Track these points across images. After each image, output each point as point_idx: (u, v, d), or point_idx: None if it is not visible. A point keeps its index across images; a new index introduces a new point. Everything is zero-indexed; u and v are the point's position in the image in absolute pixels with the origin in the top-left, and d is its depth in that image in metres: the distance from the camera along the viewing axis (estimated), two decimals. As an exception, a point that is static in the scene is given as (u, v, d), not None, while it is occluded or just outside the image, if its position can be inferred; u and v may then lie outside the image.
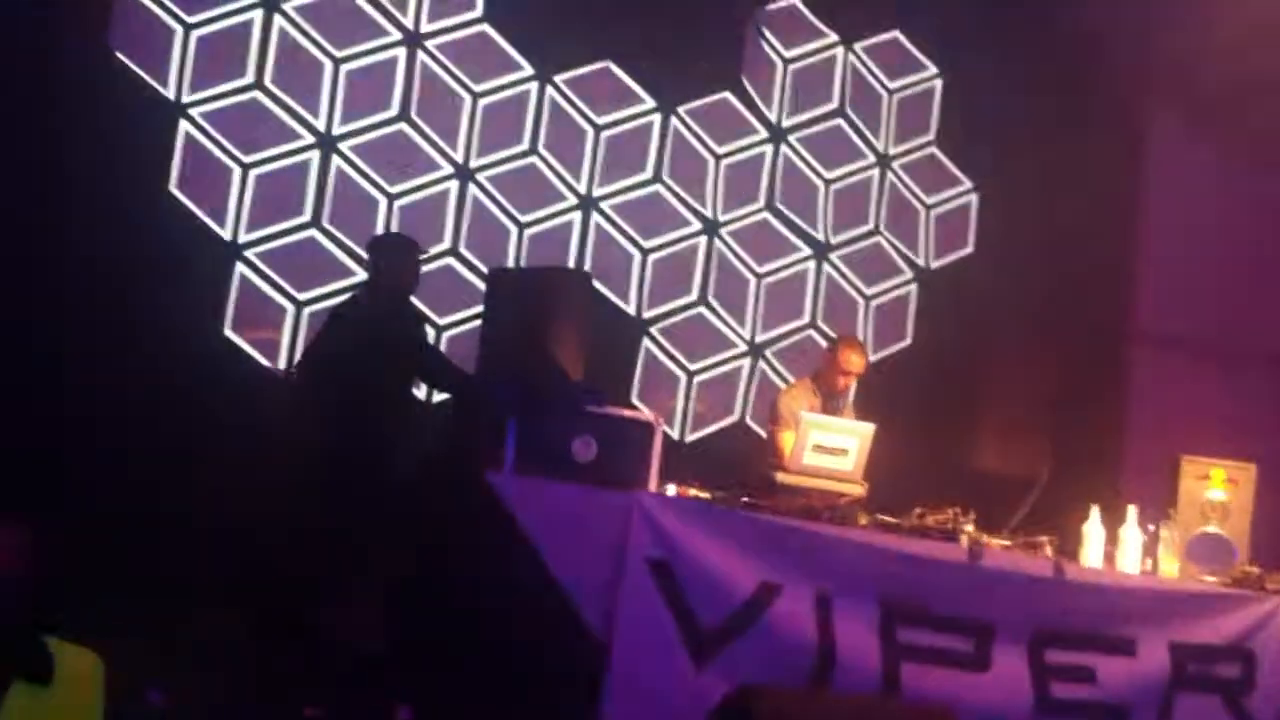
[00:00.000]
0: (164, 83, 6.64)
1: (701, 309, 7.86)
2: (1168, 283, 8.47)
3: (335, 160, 6.99)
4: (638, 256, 7.70)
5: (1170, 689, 5.65)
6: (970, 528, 5.59)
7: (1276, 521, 6.35)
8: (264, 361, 6.71)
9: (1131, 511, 5.86)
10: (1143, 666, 5.61)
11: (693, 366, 7.80)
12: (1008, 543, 5.67)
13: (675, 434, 7.61)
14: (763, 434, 7.09)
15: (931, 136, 8.53)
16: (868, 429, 5.85)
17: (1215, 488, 6.08)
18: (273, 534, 5.42)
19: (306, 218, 6.90)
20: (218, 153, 6.73)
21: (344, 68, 7.03)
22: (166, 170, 6.58)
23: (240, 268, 6.73)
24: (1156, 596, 5.73)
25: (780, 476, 5.68)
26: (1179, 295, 8.42)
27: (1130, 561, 5.77)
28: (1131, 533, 5.81)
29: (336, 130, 7.01)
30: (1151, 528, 5.90)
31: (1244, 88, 7.76)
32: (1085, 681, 5.52)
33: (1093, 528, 5.78)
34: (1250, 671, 5.73)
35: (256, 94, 6.84)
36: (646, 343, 7.69)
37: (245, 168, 6.78)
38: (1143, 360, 8.49)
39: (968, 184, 8.56)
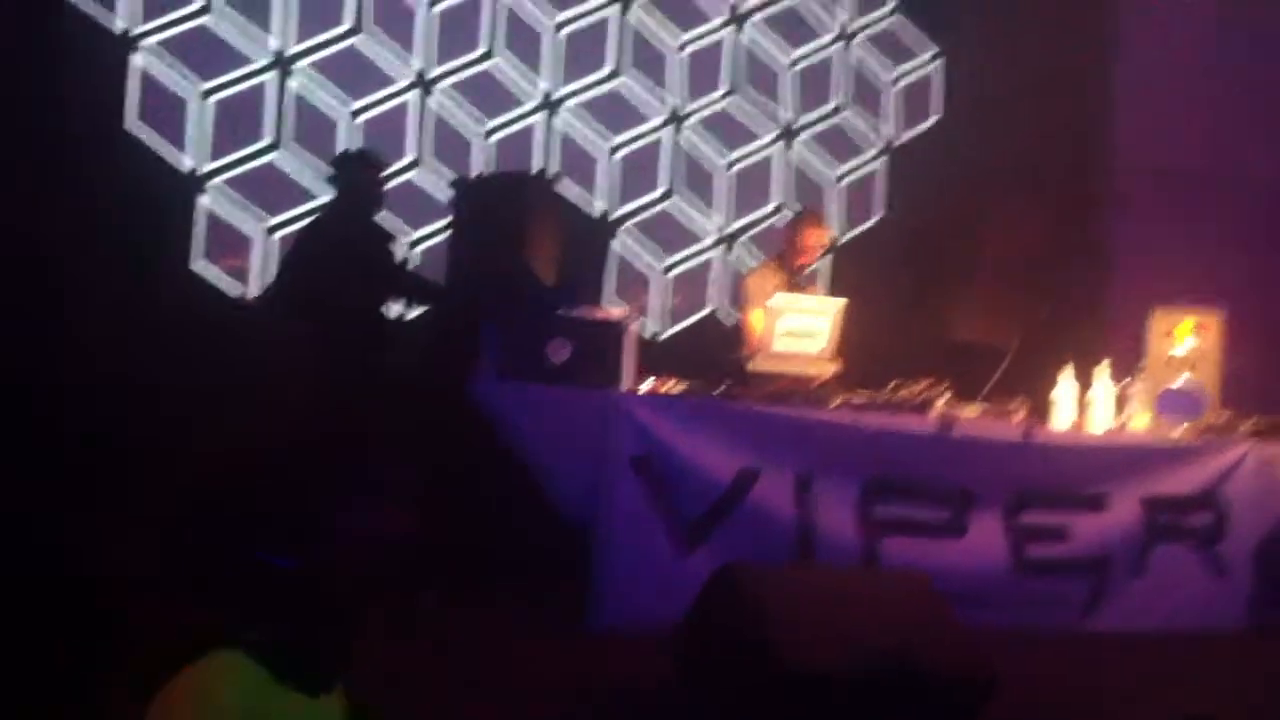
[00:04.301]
0: (112, 16, 6.59)
1: (671, 202, 7.88)
2: (1145, 127, 8.29)
3: (292, 80, 6.96)
4: (604, 154, 7.70)
5: (1144, 541, 5.80)
6: (943, 400, 5.68)
7: (1247, 366, 6.38)
8: (233, 290, 6.74)
9: (1102, 369, 5.90)
10: (1116, 521, 5.75)
11: (665, 261, 7.84)
12: (979, 411, 5.76)
13: (652, 330, 7.67)
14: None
15: (893, 4, 8.45)
16: (838, 304, 5.89)
17: (1182, 338, 6.11)
18: (269, 459, 5.51)
19: (268, 141, 6.90)
20: (173, 83, 6.69)
21: (292, -16, 6.97)
22: (121, 107, 6.55)
23: (205, 197, 6.74)
24: (1126, 452, 5.83)
25: (752, 364, 5.75)
26: (1155, 143, 8.28)
27: (1102, 419, 5.85)
28: (1101, 391, 5.87)
29: (291, 50, 6.97)
30: (1127, 381, 5.96)
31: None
32: (1060, 540, 5.66)
33: (1063, 389, 5.85)
34: (1221, 519, 5.87)
35: (207, 19, 6.78)
36: (619, 240, 7.72)
37: (202, 96, 6.76)
38: (1121, 214, 8.40)
39: (933, 49, 8.50)
